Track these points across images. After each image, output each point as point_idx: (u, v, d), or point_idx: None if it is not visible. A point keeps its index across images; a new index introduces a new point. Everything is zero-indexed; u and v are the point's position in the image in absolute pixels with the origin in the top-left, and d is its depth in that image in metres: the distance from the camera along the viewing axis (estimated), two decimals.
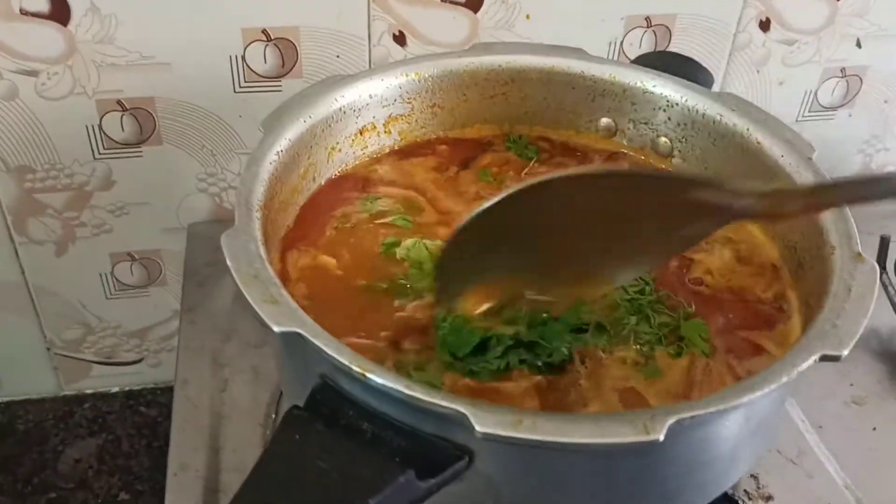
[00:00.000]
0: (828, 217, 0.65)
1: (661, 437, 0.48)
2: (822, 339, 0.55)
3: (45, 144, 0.95)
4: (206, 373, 0.84)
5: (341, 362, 0.51)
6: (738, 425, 0.58)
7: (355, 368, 0.50)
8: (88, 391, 1.16)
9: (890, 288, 0.93)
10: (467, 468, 0.52)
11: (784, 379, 0.53)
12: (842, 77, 1.10)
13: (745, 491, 0.75)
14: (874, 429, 0.85)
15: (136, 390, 1.16)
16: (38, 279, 1.05)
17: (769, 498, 0.76)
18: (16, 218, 0.99)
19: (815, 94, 1.11)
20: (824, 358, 0.54)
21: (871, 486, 0.77)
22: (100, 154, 0.97)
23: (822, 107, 1.12)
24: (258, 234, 0.60)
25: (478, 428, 0.48)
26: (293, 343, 0.52)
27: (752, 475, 0.76)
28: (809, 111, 1.11)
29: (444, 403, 0.49)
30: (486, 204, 0.56)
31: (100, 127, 0.95)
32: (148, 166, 0.99)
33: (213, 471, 0.75)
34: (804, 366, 0.53)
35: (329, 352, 0.51)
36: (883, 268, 0.93)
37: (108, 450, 1.09)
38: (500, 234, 0.58)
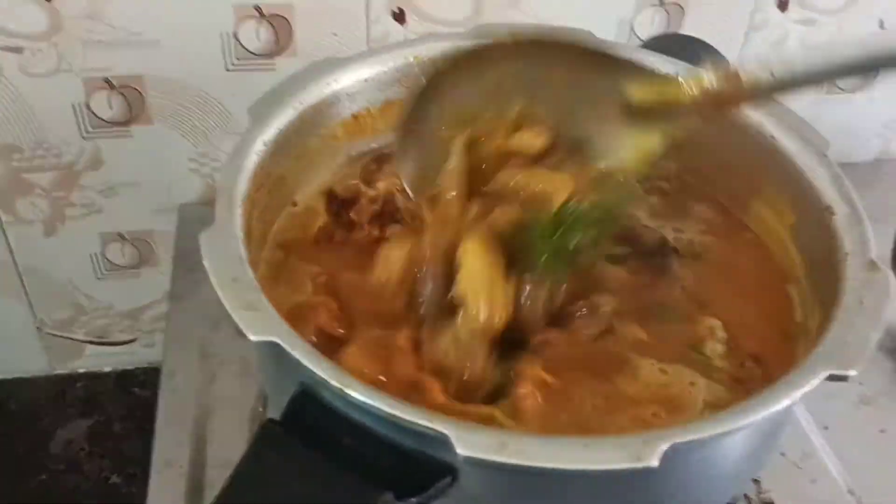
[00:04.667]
0: (842, 220, 0.62)
1: (655, 464, 0.46)
2: (829, 358, 0.53)
3: (31, 123, 0.92)
4: (194, 364, 0.81)
5: (319, 376, 0.48)
6: (740, 444, 0.56)
7: (333, 383, 0.48)
8: (81, 370, 1.14)
9: None
10: (451, 486, 0.50)
11: (787, 402, 0.50)
12: None
13: (745, 496, 0.73)
14: (882, 431, 0.82)
15: (128, 370, 1.14)
16: (26, 259, 1.02)
17: (770, 503, 0.73)
18: (3, 197, 0.97)
19: None
20: (832, 378, 0.52)
21: (877, 491, 0.75)
22: (87, 133, 0.94)
23: (841, 89, 1.07)
24: (240, 231, 0.58)
25: (459, 451, 0.45)
26: (271, 351, 0.50)
27: (753, 479, 0.74)
28: (827, 93, 1.07)
29: (425, 423, 0.46)
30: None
31: (87, 105, 0.92)
32: (138, 146, 0.96)
33: (199, 466, 0.73)
34: (809, 387, 0.51)
35: (307, 364, 0.49)
36: None
37: (100, 431, 1.08)
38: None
